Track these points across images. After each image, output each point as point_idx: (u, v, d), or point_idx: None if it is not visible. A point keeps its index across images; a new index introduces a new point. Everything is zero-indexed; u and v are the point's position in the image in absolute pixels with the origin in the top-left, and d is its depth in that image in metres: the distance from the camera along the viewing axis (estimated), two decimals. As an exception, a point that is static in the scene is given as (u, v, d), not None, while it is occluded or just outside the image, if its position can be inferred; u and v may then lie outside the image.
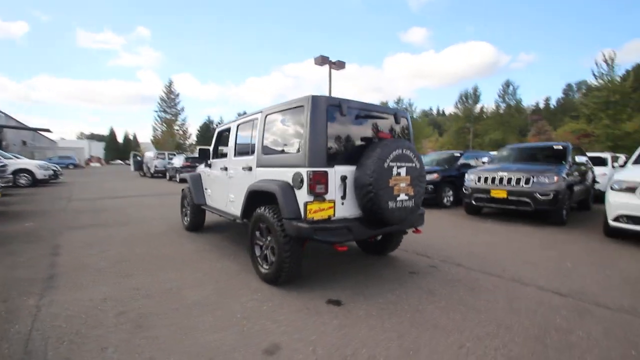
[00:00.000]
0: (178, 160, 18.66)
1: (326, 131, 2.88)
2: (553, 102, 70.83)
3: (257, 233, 3.41)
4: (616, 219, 4.97)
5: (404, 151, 3.04)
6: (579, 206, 8.28)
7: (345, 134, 3.10)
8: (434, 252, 4.46)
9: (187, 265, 3.86)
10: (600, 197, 9.61)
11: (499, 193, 6.62)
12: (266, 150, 3.46)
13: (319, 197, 2.80)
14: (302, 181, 2.85)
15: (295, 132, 3.08)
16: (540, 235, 5.58)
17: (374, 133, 3.29)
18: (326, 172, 2.81)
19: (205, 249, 4.55)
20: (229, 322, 2.52)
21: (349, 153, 3.06)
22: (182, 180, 6.30)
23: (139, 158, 23.85)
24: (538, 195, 6.22)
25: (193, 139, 42.06)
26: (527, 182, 6.39)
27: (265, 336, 2.32)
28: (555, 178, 6.25)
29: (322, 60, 16.53)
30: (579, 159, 7.31)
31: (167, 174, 19.68)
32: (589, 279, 3.51)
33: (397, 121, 3.54)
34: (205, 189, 5.24)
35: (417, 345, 2.23)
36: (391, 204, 2.95)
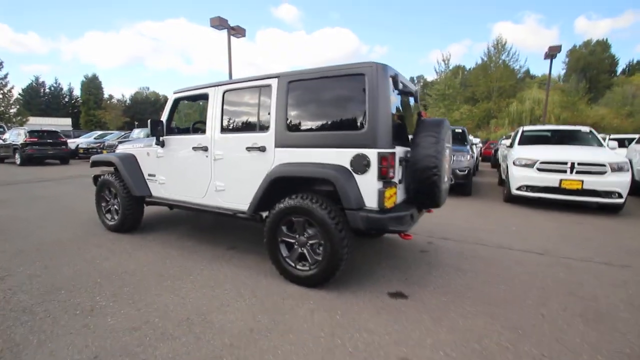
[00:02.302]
0: (15, 136, 13.66)
1: (390, 106, 2.52)
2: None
3: (284, 228, 2.79)
4: (519, 189, 6.33)
5: (449, 132, 2.98)
6: (466, 178, 10.23)
7: (394, 110, 2.79)
8: (414, 229, 4.68)
9: (172, 281, 2.87)
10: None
11: (428, 170, 7.47)
12: (294, 127, 2.80)
13: (389, 182, 2.46)
14: (368, 165, 2.44)
15: (350, 105, 2.58)
16: (466, 205, 6.60)
17: (409, 111, 3.09)
18: (394, 154, 2.47)
19: (172, 255, 3.48)
20: (321, 344, 2.00)
21: (396, 132, 2.78)
22: (95, 164, 4.57)
23: None
24: (457, 171, 7.30)
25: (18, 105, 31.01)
26: (449, 159, 7.41)
27: (380, 350, 1.94)
28: (468, 157, 7.46)
29: (220, 23, 14.60)
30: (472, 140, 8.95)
31: (-6, 155, 14.23)
32: (539, 238, 4.36)
33: (415, 100, 3.42)
34: (151, 174, 3.95)
35: (513, 321, 2.29)
36: (444, 186, 2.88)
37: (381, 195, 2.40)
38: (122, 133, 18.79)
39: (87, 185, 8.22)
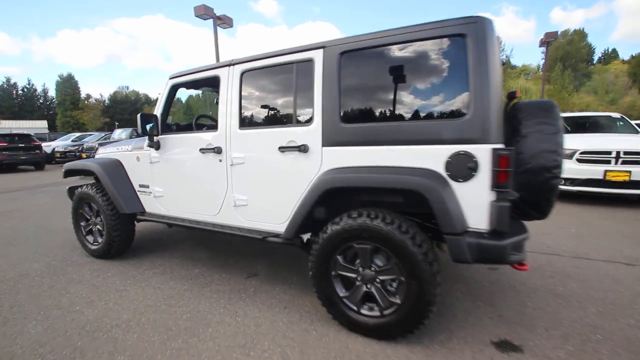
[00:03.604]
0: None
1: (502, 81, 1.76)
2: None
3: (340, 258, 2.01)
4: (556, 182, 5.70)
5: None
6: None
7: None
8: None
9: (184, 338, 2.05)
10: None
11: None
12: (351, 117, 2.00)
13: (506, 192, 1.70)
14: (474, 168, 1.67)
15: (441, 81, 1.80)
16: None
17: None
18: (513, 152, 1.70)
19: (177, 291, 2.65)
20: None
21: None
22: (69, 174, 3.65)
23: None
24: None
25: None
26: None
27: None
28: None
29: (205, 12, 13.49)
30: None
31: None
32: (608, 242, 3.69)
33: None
34: (143, 185, 3.08)
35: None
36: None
37: (500, 211, 1.64)
38: (102, 134, 17.45)
39: (66, 194, 7.20)
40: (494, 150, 1.64)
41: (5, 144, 11.85)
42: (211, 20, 14.11)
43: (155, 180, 2.98)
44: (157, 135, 2.82)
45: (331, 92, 2.01)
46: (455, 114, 1.74)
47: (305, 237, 2.27)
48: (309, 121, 2.11)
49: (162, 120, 2.87)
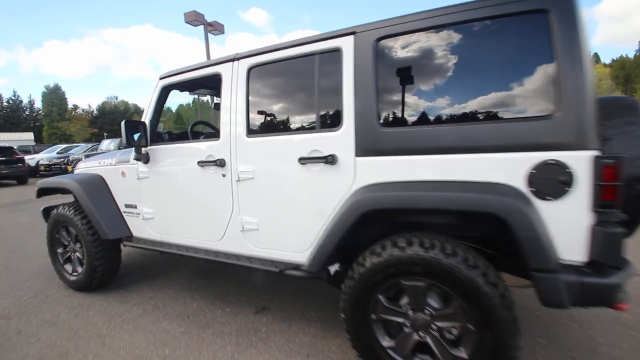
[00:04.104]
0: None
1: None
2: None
3: (383, 298, 1.58)
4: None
5: None
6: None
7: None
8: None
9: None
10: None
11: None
12: (396, 118, 1.60)
13: (611, 214, 1.30)
14: (568, 182, 1.28)
15: (516, 70, 1.41)
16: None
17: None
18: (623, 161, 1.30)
19: (172, 334, 2.18)
20: None
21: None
22: (43, 193, 3.16)
23: None
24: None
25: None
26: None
27: None
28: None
29: (196, 18, 13.12)
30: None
31: None
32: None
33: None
34: (130, 205, 2.62)
35: None
36: None
37: (611, 240, 1.24)
38: (89, 145, 16.82)
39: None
40: (596, 158, 1.24)
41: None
42: (201, 27, 13.74)
43: (143, 200, 2.52)
44: (145, 146, 2.37)
45: (366, 88, 1.61)
46: (538, 112, 1.35)
47: (333, 268, 1.85)
48: (337, 125, 1.70)
49: (152, 128, 2.42)
